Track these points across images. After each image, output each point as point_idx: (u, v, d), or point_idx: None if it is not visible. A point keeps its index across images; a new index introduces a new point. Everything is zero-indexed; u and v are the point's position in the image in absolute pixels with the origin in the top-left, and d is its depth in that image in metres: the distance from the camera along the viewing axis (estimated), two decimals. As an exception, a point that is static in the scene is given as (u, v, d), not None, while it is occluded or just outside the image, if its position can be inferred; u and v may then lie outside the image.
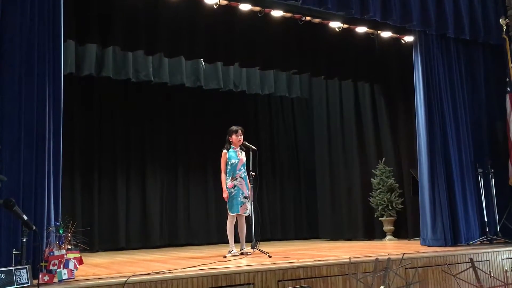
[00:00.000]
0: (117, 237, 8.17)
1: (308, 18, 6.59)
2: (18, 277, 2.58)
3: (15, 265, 2.72)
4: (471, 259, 4.25)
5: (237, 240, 5.82)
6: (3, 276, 2.49)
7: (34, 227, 3.09)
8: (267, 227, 9.36)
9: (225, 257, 5.37)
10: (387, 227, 8.00)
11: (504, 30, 6.90)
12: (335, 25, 6.71)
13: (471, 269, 4.18)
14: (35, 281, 3.15)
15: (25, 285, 2.62)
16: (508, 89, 6.75)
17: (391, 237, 7.94)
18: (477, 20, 6.72)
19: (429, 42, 6.46)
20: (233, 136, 5.88)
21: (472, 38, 6.72)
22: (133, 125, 8.67)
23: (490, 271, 5.19)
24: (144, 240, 8.39)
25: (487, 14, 6.87)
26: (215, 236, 8.77)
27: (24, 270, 2.62)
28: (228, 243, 5.80)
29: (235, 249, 5.65)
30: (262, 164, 9.20)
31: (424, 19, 6.27)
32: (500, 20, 6.91)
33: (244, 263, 4.68)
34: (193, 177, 9.06)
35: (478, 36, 6.75)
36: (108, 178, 8.34)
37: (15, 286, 2.55)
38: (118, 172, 8.41)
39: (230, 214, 5.74)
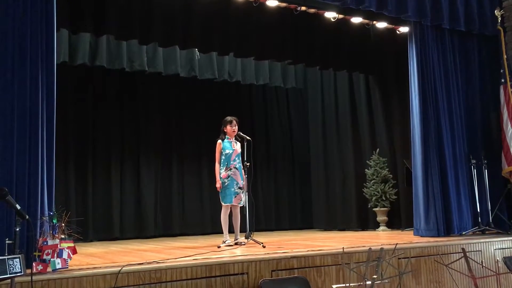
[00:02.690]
0: (111, 227, 8.18)
1: (303, 8, 6.56)
2: (11, 266, 2.56)
3: (8, 255, 2.71)
4: (463, 249, 4.29)
5: (231, 230, 5.84)
6: (-4, 265, 2.49)
7: (27, 217, 3.08)
8: (261, 218, 9.39)
9: (219, 247, 5.38)
10: (381, 218, 8.04)
11: (499, 21, 6.89)
12: (330, 15, 6.68)
13: (463, 259, 4.22)
14: (29, 271, 3.14)
15: (18, 274, 2.61)
16: (502, 80, 6.76)
17: (384, 227, 7.98)
18: (473, 11, 6.72)
19: (424, 33, 6.45)
20: (228, 127, 5.88)
21: (467, 29, 6.72)
22: (127, 115, 8.64)
23: (482, 261, 5.23)
24: (138, 230, 8.40)
25: (482, 5, 6.86)
26: (209, 226, 8.79)
27: (18, 259, 2.60)
28: (222, 233, 5.82)
29: (229, 239, 5.66)
30: (257, 154, 9.22)
31: (419, 9, 6.25)
32: (495, 11, 6.91)
33: (238, 253, 4.69)
34: (187, 167, 9.06)
35: (473, 28, 6.74)
36: (102, 168, 8.32)
37: (8, 275, 2.54)
38: (112, 162, 8.39)
39: (224, 204, 5.76)
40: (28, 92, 4.15)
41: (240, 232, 5.82)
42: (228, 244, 5.51)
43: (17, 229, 2.96)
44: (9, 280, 2.81)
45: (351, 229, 8.52)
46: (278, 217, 9.82)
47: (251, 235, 5.57)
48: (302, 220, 9.90)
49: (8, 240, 3.20)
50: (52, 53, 4.38)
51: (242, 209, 5.78)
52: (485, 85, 6.95)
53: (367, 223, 8.44)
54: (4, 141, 4.00)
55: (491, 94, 6.92)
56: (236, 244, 5.61)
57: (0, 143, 3.98)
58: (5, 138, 4.01)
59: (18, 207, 3.02)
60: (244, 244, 5.55)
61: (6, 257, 2.56)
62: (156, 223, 8.58)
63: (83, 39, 7.21)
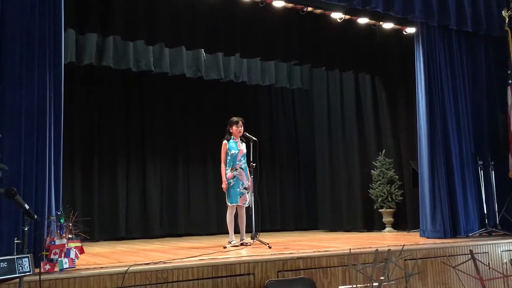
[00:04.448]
0: (117, 226, 8.19)
1: (309, 8, 6.57)
2: (20, 266, 2.58)
3: (16, 254, 2.73)
4: (471, 251, 4.27)
5: (237, 231, 5.84)
6: (5, 264, 2.50)
7: (35, 216, 3.09)
8: (267, 218, 9.37)
9: (225, 247, 5.39)
10: (387, 219, 8.02)
11: (507, 22, 6.85)
12: (337, 16, 6.68)
13: (470, 261, 4.20)
14: (37, 270, 3.15)
15: (27, 273, 2.62)
16: (510, 81, 6.72)
17: (390, 228, 7.96)
18: (480, 12, 6.68)
19: (431, 33, 6.43)
20: (234, 127, 5.88)
21: (474, 30, 6.68)
22: (134, 115, 8.66)
23: (489, 263, 5.21)
24: (144, 230, 8.41)
25: (489, 5, 6.83)
26: (214, 226, 8.79)
27: (26, 259, 2.62)
28: (228, 233, 5.82)
29: (235, 239, 5.67)
30: (262, 155, 9.20)
31: (426, 10, 6.23)
32: (503, 12, 6.87)
33: (244, 254, 4.69)
34: (193, 167, 9.07)
35: (480, 28, 6.71)
36: (108, 168, 8.35)
37: (17, 275, 2.56)
38: (118, 161, 8.42)
39: (229, 204, 5.76)
40: (35, 92, 4.16)
41: (246, 232, 5.82)
42: (234, 245, 5.51)
43: (26, 229, 2.98)
44: (17, 279, 2.83)
45: (357, 230, 8.49)
46: (283, 217, 9.80)
47: (257, 236, 5.57)
48: (308, 221, 9.88)
49: (17, 239, 3.21)
50: (60, 53, 4.40)
51: (248, 209, 5.78)
52: (492, 86, 6.92)
53: (372, 224, 8.41)
54: (12, 141, 4.01)
55: (498, 95, 6.89)
56: (242, 244, 5.61)
57: (8, 143, 4.00)
58: (13, 138, 4.02)
59: (27, 206, 3.04)
60: (250, 245, 5.55)
61: (15, 257, 2.58)
62: (162, 223, 8.60)
63: (90, 39, 7.23)
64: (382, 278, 3.57)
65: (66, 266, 3.67)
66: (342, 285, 4.36)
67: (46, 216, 3.97)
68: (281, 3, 6.34)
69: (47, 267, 3.58)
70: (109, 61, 7.48)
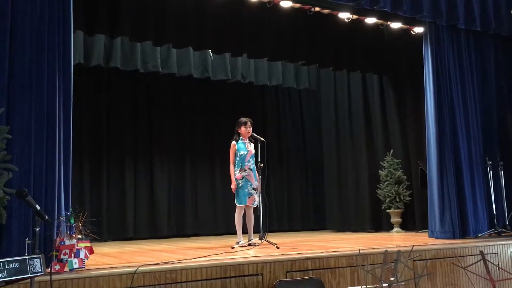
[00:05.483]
0: (125, 227, 8.22)
1: (317, 8, 6.56)
2: (32, 266, 2.60)
3: (28, 254, 2.75)
4: (481, 251, 4.24)
5: (244, 231, 5.84)
6: (17, 265, 2.52)
7: (46, 217, 3.11)
8: (274, 219, 9.36)
9: (233, 247, 5.39)
10: (395, 219, 7.99)
11: (516, 21, 6.82)
12: (344, 16, 6.67)
13: (479, 261, 4.18)
14: (47, 270, 3.17)
15: (38, 273, 2.64)
16: (519, 81, 6.70)
17: (398, 229, 7.93)
18: (488, 11, 6.65)
19: (439, 33, 6.40)
20: (242, 128, 5.87)
21: (483, 29, 6.65)
22: (141, 116, 8.69)
23: (498, 264, 5.18)
24: (152, 230, 8.44)
25: (498, 5, 6.79)
26: (222, 226, 8.80)
27: (38, 260, 2.63)
28: (236, 233, 5.83)
29: (243, 240, 5.67)
30: (269, 155, 9.18)
31: (434, 9, 6.21)
32: (512, 11, 6.84)
33: (252, 254, 4.69)
34: (200, 167, 9.08)
35: (489, 28, 6.67)
36: (116, 169, 8.38)
37: (29, 275, 2.58)
38: (126, 162, 8.44)
39: (238, 205, 5.76)
40: (45, 93, 4.18)
41: (254, 233, 5.82)
42: (242, 245, 5.52)
43: (37, 229, 2.99)
44: (28, 280, 2.85)
45: (365, 231, 8.47)
46: (291, 218, 9.79)
47: (265, 236, 5.57)
48: (315, 221, 9.87)
49: (28, 240, 3.23)
50: (69, 54, 4.42)
51: (256, 210, 5.77)
52: (501, 86, 6.88)
53: (380, 224, 8.39)
54: (22, 142, 4.04)
55: (507, 94, 6.85)
56: (250, 245, 5.61)
57: (18, 144, 4.02)
58: (23, 139, 4.04)
59: (38, 207, 3.06)
60: (258, 245, 5.55)
61: (26, 257, 2.60)
62: (170, 224, 8.62)
63: (98, 40, 7.25)
64: (392, 279, 3.56)
65: (76, 266, 3.69)
66: (351, 285, 4.35)
67: (56, 216, 3.99)
68: (289, 3, 6.33)
69: (57, 267, 3.60)
70: (117, 62, 7.50)
